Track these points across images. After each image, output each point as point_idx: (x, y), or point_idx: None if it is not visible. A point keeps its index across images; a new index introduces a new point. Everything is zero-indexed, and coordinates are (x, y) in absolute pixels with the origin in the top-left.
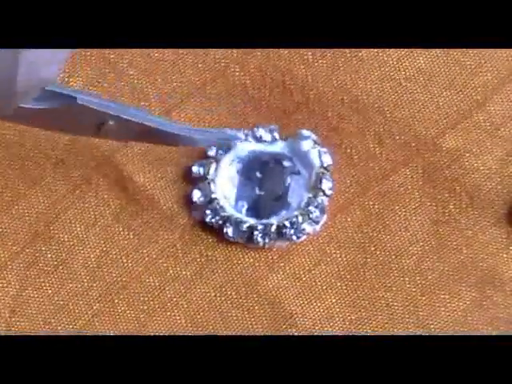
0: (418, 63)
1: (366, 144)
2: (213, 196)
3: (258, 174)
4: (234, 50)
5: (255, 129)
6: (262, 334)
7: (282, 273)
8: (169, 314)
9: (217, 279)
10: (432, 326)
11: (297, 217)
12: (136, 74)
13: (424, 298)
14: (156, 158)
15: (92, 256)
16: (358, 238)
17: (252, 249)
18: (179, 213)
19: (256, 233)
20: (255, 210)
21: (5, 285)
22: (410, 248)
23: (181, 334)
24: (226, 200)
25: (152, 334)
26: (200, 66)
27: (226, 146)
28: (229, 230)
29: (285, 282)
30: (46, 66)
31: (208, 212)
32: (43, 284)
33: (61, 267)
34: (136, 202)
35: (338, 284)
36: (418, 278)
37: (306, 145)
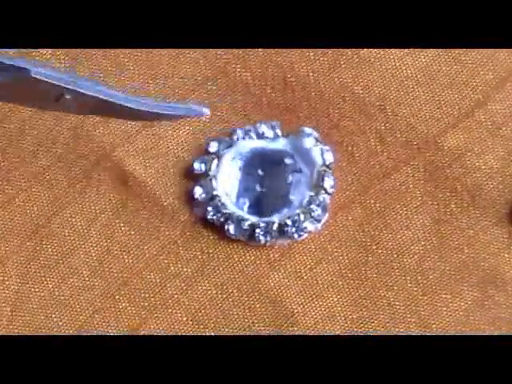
0: (420, 62)
1: (367, 142)
2: (214, 193)
3: (260, 172)
4: None
5: (257, 125)
6: (263, 333)
7: (283, 271)
8: (170, 310)
9: (218, 277)
10: (433, 326)
11: (298, 215)
12: (137, 70)
13: (425, 298)
14: (157, 154)
15: (93, 252)
16: (360, 237)
17: (253, 247)
18: (180, 209)
19: (258, 231)
20: (257, 208)
21: (5, 279)
22: (412, 247)
23: (182, 333)
24: (227, 197)
25: (153, 330)
26: (201, 62)
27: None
28: (230, 228)
29: (286, 280)
30: None
31: (209, 209)
32: (44, 279)
33: (61, 262)
34: (137, 198)
35: (340, 283)
36: (419, 277)
37: (308, 142)
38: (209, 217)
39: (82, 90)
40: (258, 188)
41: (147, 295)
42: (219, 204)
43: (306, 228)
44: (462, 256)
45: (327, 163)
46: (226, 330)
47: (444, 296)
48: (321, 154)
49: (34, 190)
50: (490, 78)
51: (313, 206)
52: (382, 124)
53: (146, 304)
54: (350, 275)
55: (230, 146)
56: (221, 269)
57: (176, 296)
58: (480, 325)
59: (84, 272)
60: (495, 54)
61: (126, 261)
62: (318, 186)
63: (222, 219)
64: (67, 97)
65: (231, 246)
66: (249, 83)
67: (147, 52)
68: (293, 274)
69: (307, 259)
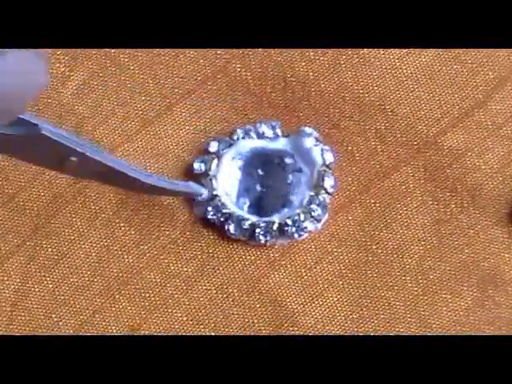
0: (420, 61)
1: (367, 142)
2: (214, 193)
3: (260, 171)
4: None
5: (257, 125)
6: (263, 333)
7: (283, 271)
8: (170, 310)
9: (218, 276)
10: (434, 326)
11: (299, 215)
12: (137, 69)
13: (426, 298)
14: (157, 154)
15: (93, 251)
16: (360, 237)
17: (253, 246)
18: (180, 209)
19: (258, 230)
20: (257, 208)
21: (6, 278)
22: (412, 247)
23: (182, 332)
24: (227, 197)
25: (153, 330)
26: (201, 61)
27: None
28: (230, 227)
29: (286, 280)
30: (16, 100)
31: (210, 209)
32: (44, 278)
33: (61, 262)
34: (137, 198)
35: (340, 282)
36: (419, 277)
37: (309, 142)
38: (209, 216)
39: (89, 155)
40: (258, 188)
41: (147, 295)
42: (219, 204)
43: (306, 228)
44: (462, 256)
45: (327, 163)
46: (226, 329)
47: (444, 296)
48: (321, 153)
49: (33, 189)
50: (490, 77)
51: (313, 206)
52: (382, 124)
53: (146, 304)
54: (350, 275)
55: (230, 145)
56: (221, 268)
57: (176, 296)
58: (480, 325)
59: (84, 271)
60: (495, 53)
61: (126, 260)
62: (318, 186)
63: (222, 219)
64: (73, 159)
65: (231, 246)
66: (249, 83)
67: (147, 52)
68: (293, 274)
69: (307, 259)
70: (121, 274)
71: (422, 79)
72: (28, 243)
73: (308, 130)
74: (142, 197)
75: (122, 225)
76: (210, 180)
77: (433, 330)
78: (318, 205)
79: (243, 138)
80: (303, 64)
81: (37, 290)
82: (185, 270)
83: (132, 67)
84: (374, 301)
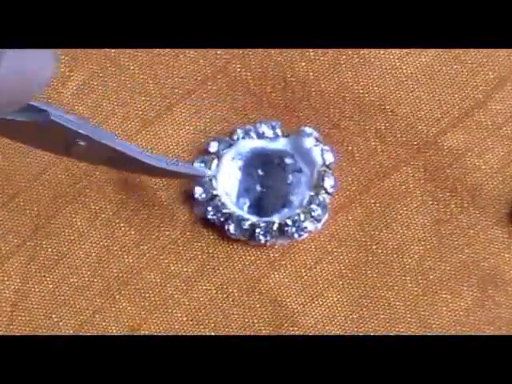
0: (420, 62)
1: (367, 142)
2: (214, 193)
3: (260, 172)
4: None
5: (257, 125)
6: (263, 333)
7: (283, 271)
8: (170, 310)
9: (218, 276)
10: (433, 326)
11: (299, 215)
12: (137, 69)
13: (426, 298)
14: (157, 154)
15: (93, 251)
16: (360, 237)
17: (253, 246)
18: (180, 209)
19: (258, 230)
20: (257, 208)
21: (6, 278)
22: (412, 247)
23: (182, 332)
24: (227, 197)
25: (153, 330)
26: (201, 61)
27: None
28: (231, 227)
29: (286, 280)
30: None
31: (210, 209)
32: (44, 278)
33: (62, 262)
34: (137, 198)
35: (340, 282)
36: (419, 277)
37: (309, 142)
38: (209, 216)
39: (97, 139)
40: (258, 188)
41: (147, 295)
42: (219, 204)
43: (306, 228)
44: (462, 256)
45: (327, 163)
46: (226, 329)
47: (444, 296)
48: (321, 154)
49: (34, 189)
50: (490, 77)
51: (313, 206)
52: (382, 124)
53: (146, 304)
54: (350, 275)
55: (230, 145)
56: (221, 268)
57: (176, 296)
58: (480, 325)
59: (84, 272)
60: (495, 53)
61: (126, 260)
62: (318, 186)
63: (222, 219)
64: (81, 143)
65: (231, 246)
66: (249, 83)
67: (147, 52)
68: (293, 274)
69: (307, 259)
70: (121, 274)
71: (422, 79)
72: (28, 243)
73: (308, 130)
74: (142, 197)
75: (121, 225)
76: (210, 180)
77: (433, 330)
78: (318, 205)
79: (243, 138)
80: (303, 64)
81: (37, 290)
82: (185, 270)
83: (132, 67)
84: (374, 301)
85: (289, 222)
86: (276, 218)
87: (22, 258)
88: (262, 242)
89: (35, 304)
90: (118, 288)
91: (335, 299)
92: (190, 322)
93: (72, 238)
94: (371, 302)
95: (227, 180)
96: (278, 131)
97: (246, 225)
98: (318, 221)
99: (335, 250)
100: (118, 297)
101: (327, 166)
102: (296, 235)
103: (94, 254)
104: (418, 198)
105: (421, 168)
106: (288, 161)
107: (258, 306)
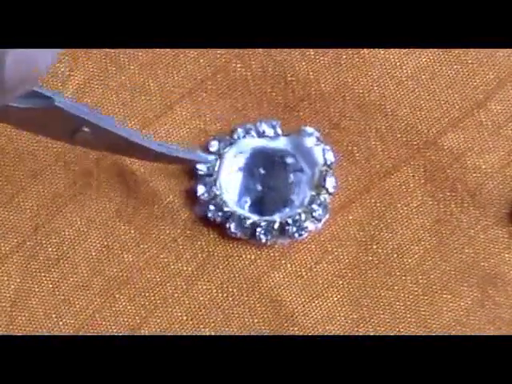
0: (420, 62)
1: (367, 142)
2: (215, 191)
3: (262, 171)
4: None
5: (258, 124)
6: (263, 333)
7: (283, 270)
8: (170, 309)
9: (218, 276)
10: (434, 326)
11: (299, 214)
12: (137, 69)
13: (426, 298)
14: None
15: (93, 250)
16: (360, 237)
17: (254, 245)
18: (181, 207)
19: (259, 229)
20: (258, 207)
21: (6, 278)
22: (412, 247)
23: (182, 332)
24: (228, 195)
25: (153, 329)
26: (201, 60)
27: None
28: (231, 226)
29: (286, 279)
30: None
31: (210, 207)
32: (44, 278)
33: (61, 261)
34: (137, 196)
35: (340, 282)
36: (419, 277)
37: (310, 142)
38: (210, 215)
39: (102, 125)
40: (259, 187)
41: (147, 294)
42: (220, 202)
43: (306, 227)
44: (462, 256)
45: (329, 163)
46: (226, 329)
47: (444, 296)
48: (322, 153)
49: (33, 188)
50: (490, 77)
51: (314, 206)
52: (382, 124)
53: (147, 303)
54: (350, 275)
55: (230, 144)
56: (221, 267)
57: (176, 295)
58: (480, 325)
59: (84, 271)
60: (495, 53)
61: (126, 259)
62: (319, 186)
63: (223, 218)
64: (85, 129)
65: (232, 245)
66: (249, 82)
67: (147, 52)
68: (293, 274)
69: (308, 259)
70: (121, 274)
71: (422, 79)
72: (28, 243)
73: (309, 129)
74: (142, 195)
75: (121, 224)
76: (211, 179)
77: (433, 330)
78: (319, 205)
79: (244, 136)
80: (303, 64)
81: (37, 289)
82: (185, 268)
83: (132, 67)
84: (374, 301)
85: (290, 221)
86: (277, 218)
87: (22, 257)
88: (263, 241)
89: (35, 303)
90: (118, 287)
91: (335, 299)
92: (190, 322)
93: (72, 237)
94: (371, 301)
95: (228, 179)
96: (279, 130)
97: (247, 224)
98: (319, 221)
99: (335, 249)
100: (117, 296)
101: (328, 166)
102: (296, 235)
103: (93, 253)
104: (418, 197)
105: (421, 168)
106: (289, 160)
107: (257, 305)
